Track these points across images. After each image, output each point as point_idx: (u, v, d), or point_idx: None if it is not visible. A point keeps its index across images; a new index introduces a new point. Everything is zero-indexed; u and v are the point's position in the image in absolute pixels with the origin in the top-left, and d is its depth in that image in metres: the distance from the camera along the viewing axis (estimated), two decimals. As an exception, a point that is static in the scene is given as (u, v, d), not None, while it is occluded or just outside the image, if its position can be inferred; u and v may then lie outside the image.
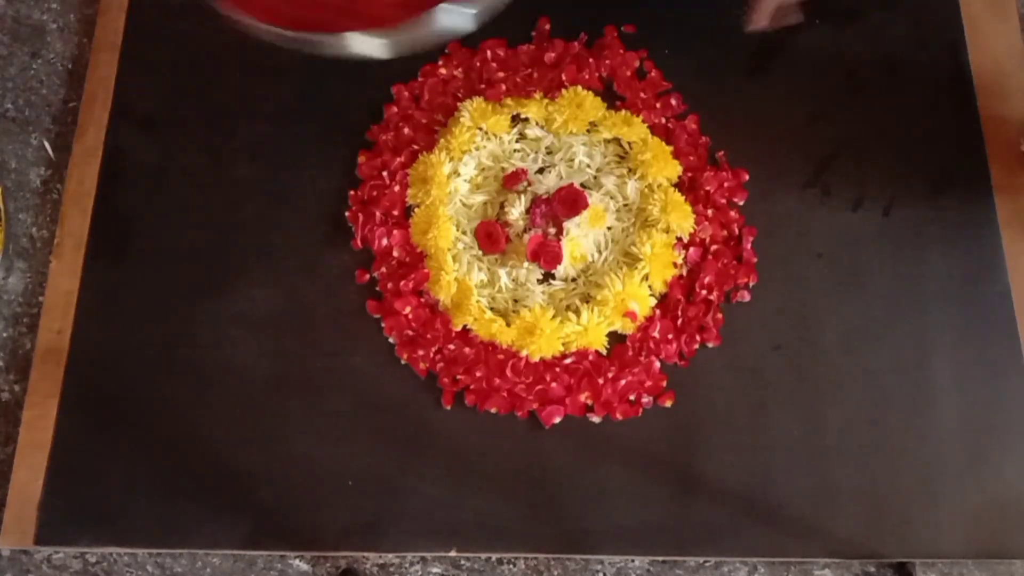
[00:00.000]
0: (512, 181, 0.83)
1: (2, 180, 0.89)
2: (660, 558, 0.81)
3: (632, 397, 0.80)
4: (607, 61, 0.89)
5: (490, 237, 0.82)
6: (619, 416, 0.79)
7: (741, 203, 0.86)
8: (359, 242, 0.84)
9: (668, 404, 0.80)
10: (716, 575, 0.82)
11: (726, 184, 0.85)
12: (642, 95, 0.89)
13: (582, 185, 0.83)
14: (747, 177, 0.86)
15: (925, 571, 0.82)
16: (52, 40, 0.96)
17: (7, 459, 0.81)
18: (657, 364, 0.80)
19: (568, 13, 0.92)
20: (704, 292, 0.82)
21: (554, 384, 0.79)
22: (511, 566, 0.82)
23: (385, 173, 0.85)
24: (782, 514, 0.78)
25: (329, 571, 0.81)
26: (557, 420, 0.79)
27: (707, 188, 0.84)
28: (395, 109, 0.89)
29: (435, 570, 0.81)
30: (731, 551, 0.79)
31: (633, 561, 0.82)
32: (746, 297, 0.83)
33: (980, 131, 0.89)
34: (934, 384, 0.81)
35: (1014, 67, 0.91)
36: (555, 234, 0.81)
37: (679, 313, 0.81)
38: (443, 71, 0.90)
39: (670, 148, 0.85)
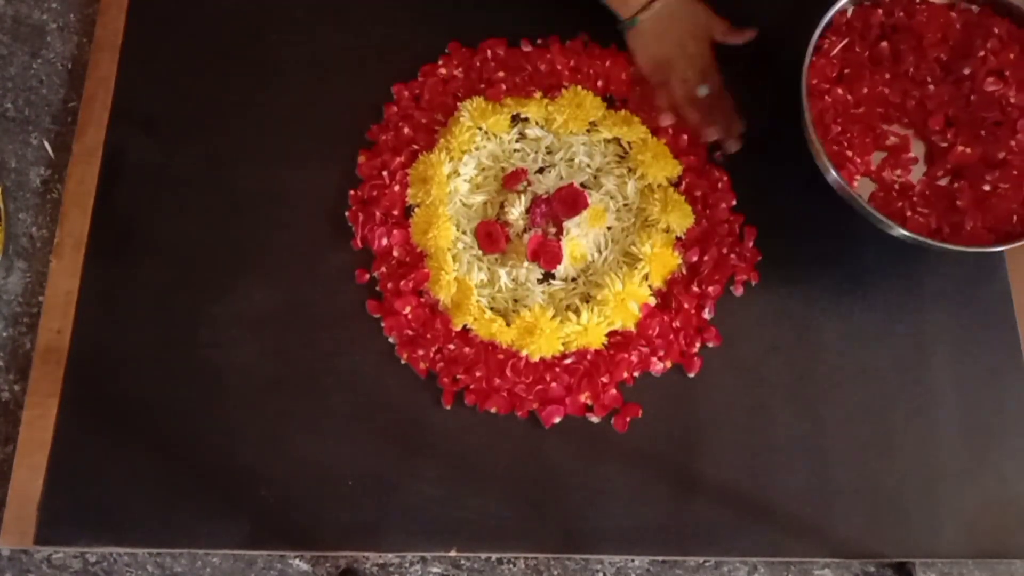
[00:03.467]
0: (512, 181, 0.83)
1: (2, 180, 0.89)
2: (660, 558, 0.81)
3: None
4: (606, 67, 0.89)
5: (490, 237, 0.82)
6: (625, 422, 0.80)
7: (734, 203, 0.86)
8: (359, 242, 0.84)
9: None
10: (716, 575, 0.82)
11: (720, 185, 0.86)
12: (641, 94, 0.89)
13: (582, 185, 0.83)
14: (725, 178, 0.86)
15: (925, 571, 0.82)
16: (52, 40, 0.96)
17: (7, 459, 0.81)
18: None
19: (567, 13, 0.92)
20: (702, 287, 0.82)
21: (554, 384, 0.79)
22: (511, 566, 0.82)
23: (385, 173, 0.85)
24: (782, 514, 0.78)
25: (329, 571, 0.81)
26: (557, 420, 0.79)
27: (699, 192, 0.85)
28: (395, 109, 0.89)
29: (435, 570, 0.81)
30: (731, 551, 0.79)
31: (633, 561, 0.82)
32: (740, 291, 0.83)
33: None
34: (934, 384, 0.81)
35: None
36: (555, 234, 0.81)
37: (678, 313, 0.81)
38: (443, 71, 0.90)
39: (669, 148, 0.85)
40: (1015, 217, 0.79)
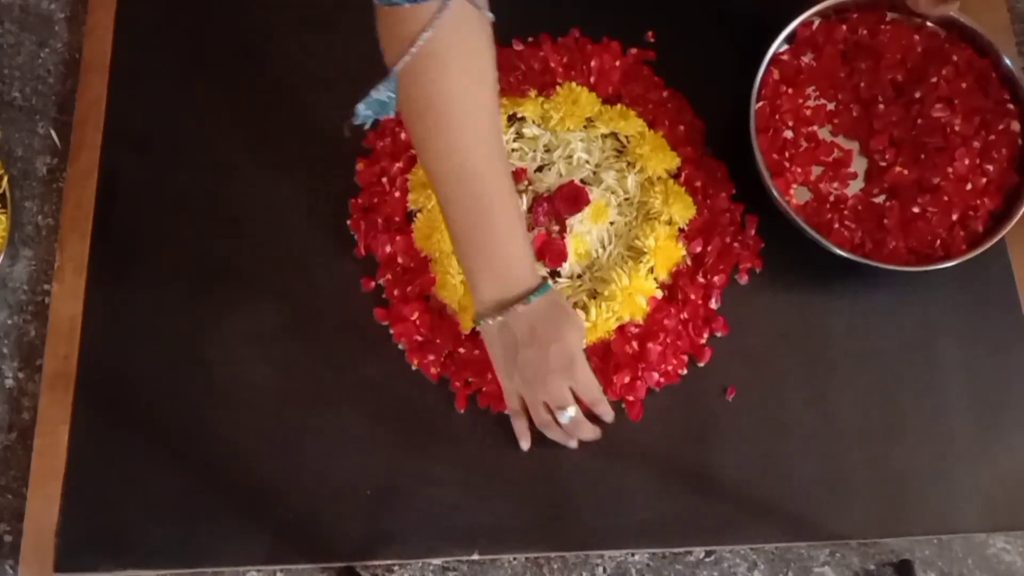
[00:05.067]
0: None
1: (8, 168, 0.89)
2: (671, 550, 0.81)
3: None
4: (595, 62, 0.89)
5: (494, 238, 0.82)
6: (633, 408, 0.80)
7: (734, 192, 0.86)
8: (362, 250, 0.84)
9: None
10: (716, 571, 0.83)
11: (719, 175, 0.86)
12: (636, 88, 0.89)
13: (582, 181, 0.83)
14: (724, 168, 0.87)
15: (925, 571, 0.83)
16: (60, 29, 0.96)
17: (11, 446, 0.82)
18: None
19: (557, 10, 0.92)
20: (708, 278, 0.82)
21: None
22: (511, 558, 0.82)
23: (384, 179, 0.85)
24: (798, 499, 0.78)
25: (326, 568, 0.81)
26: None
27: (698, 182, 0.85)
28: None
29: (436, 561, 0.81)
30: (748, 538, 0.79)
31: (633, 555, 0.82)
32: (745, 279, 0.84)
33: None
34: (942, 363, 0.82)
35: (1001, 43, 0.91)
36: (558, 232, 0.81)
37: (686, 304, 0.81)
38: (436, 74, 0.89)
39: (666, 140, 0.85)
40: (938, 241, 0.82)
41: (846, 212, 0.84)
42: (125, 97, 0.89)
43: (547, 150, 0.86)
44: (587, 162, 0.85)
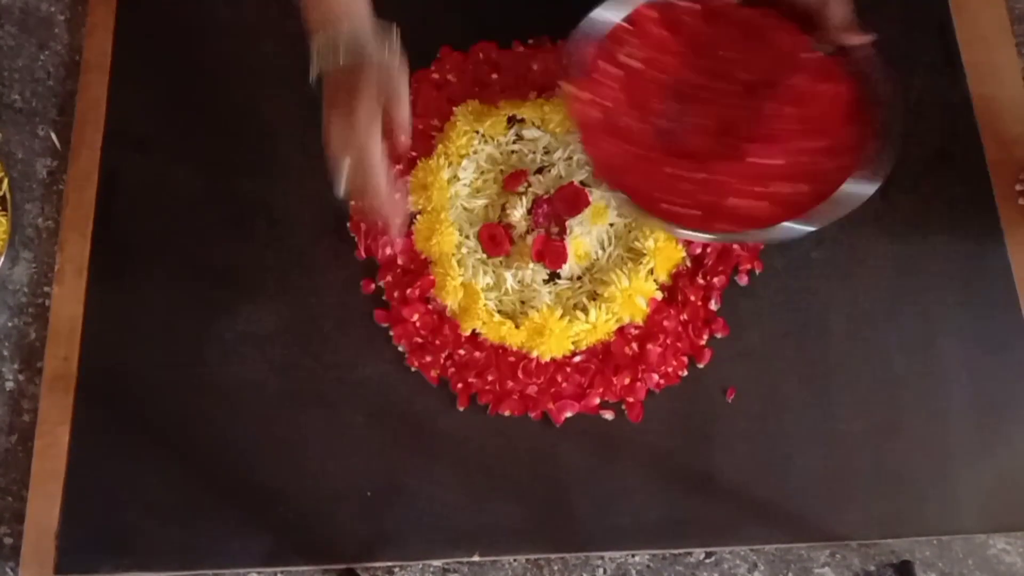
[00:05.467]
0: (513, 183, 0.83)
1: (9, 170, 0.89)
2: (671, 551, 0.81)
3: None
4: None
5: (493, 240, 0.82)
6: (634, 407, 0.80)
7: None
8: (363, 252, 0.84)
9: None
10: (716, 572, 0.83)
11: None
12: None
13: (582, 183, 0.83)
14: None
15: (925, 571, 0.83)
16: (60, 31, 0.96)
17: (11, 448, 0.82)
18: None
19: (557, 12, 0.92)
20: (707, 279, 0.82)
21: (564, 384, 0.79)
22: (511, 559, 0.82)
23: (384, 181, 0.85)
24: (798, 499, 0.78)
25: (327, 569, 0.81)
26: (569, 414, 0.79)
27: None
28: (390, 116, 0.88)
29: (436, 563, 0.81)
30: (750, 539, 0.79)
31: (634, 556, 0.82)
32: (744, 280, 0.84)
33: (971, 108, 0.89)
34: (942, 362, 0.82)
35: (1001, 43, 0.92)
36: (558, 233, 0.82)
37: (685, 305, 0.82)
38: (436, 76, 0.90)
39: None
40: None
41: None
42: (125, 97, 0.89)
43: (547, 152, 0.86)
44: (587, 163, 0.85)
